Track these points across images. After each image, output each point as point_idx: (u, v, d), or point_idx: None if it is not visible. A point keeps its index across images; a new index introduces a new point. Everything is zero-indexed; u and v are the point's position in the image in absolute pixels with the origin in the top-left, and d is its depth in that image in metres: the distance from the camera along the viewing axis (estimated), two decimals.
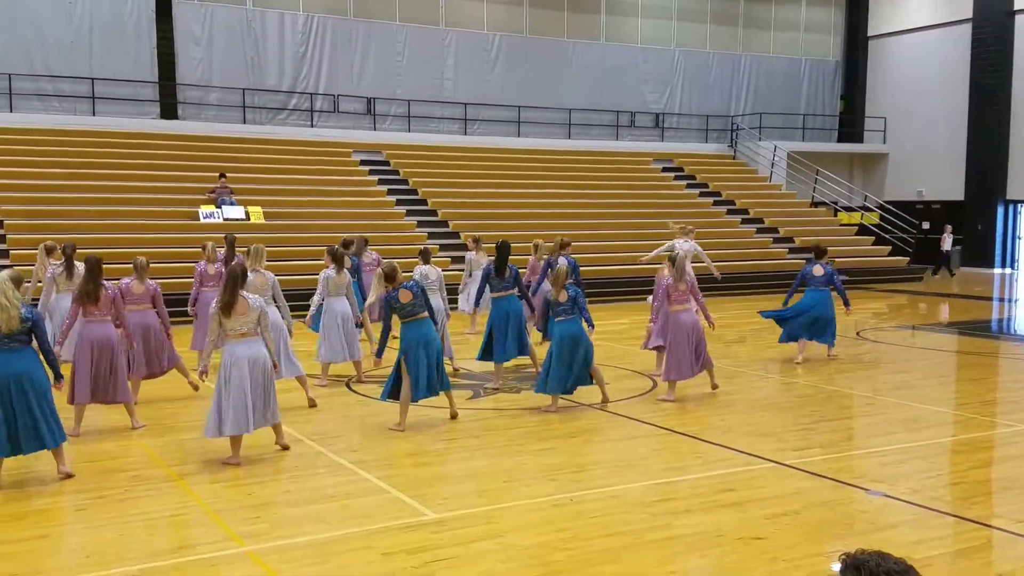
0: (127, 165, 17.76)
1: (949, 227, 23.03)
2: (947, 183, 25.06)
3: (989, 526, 5.17)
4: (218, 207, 16.81)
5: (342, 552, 4.70)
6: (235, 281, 6.27)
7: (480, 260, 12.73)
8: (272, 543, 4.84)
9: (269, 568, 4.52)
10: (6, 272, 5.94)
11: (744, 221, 21.92)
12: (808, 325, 10.34)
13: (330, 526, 5.08)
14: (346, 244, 10.79)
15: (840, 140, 27.98)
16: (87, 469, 6.20)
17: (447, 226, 18.59)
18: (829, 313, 10.37)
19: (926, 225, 25.34)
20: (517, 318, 8.95)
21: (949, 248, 22.72)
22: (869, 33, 27.70)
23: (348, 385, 9.07)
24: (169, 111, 20.13)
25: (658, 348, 9.17)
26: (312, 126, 21.30)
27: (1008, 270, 24.20)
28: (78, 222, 15.33)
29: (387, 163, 20.59)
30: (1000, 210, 24.18)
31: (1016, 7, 23.58)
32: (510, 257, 9.08)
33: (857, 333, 12.86)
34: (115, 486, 5.84)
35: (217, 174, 17.57)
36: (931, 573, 4.33)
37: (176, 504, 5.50)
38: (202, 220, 16.47)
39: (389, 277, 7.20)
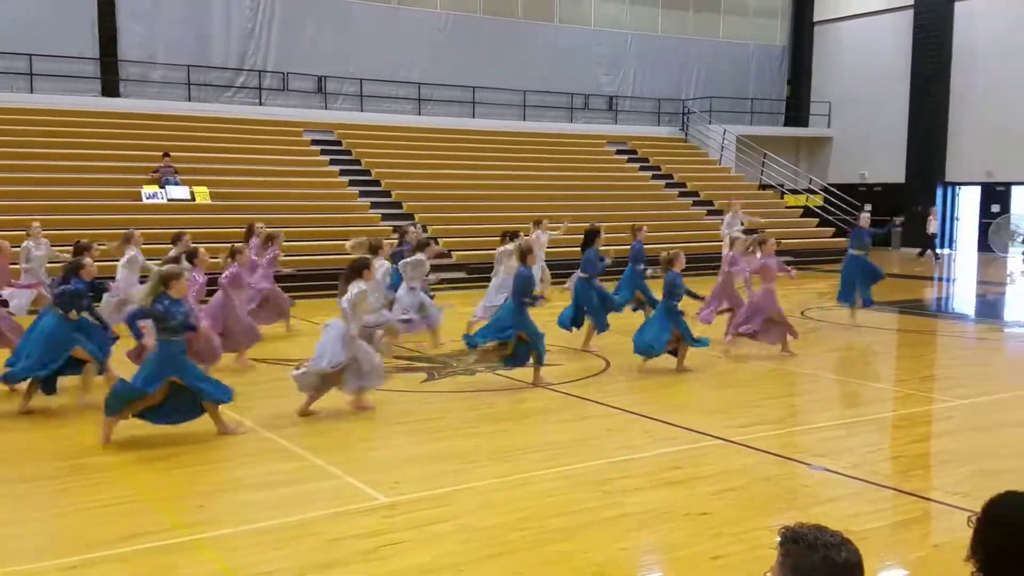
0: (67, 144, 17.18)
1: (934, 209, 23.01)
2: (889, 166, 25.69)
3: (927, 498, 5.36)
4: (162, 187, 16.39)
5: (290, 539, 4.65)
6: (347, 275, 7.07)
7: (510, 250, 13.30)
8: (219, 531, 4.77)
9: (215, 556, 4.46)
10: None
11: (695, 203, 22.21)
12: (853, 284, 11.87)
13: (279, 512, 5.02)
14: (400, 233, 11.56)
15: (787, 124, 28.45)
16: (25, 456, 6.03)
17: (401, 207, 18.43)
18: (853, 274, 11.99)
19: (868, 207, 25.91)
20: (596, 299, 9.94)
21: (935, 231, 22.82)
22: (815, 18, 28.15)
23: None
24: (111, 88, 19.51)
25: (752, 334, 9.74)
26: (261, 104, 20.85)
27: (947, 250, 24.96)
28: (16, 203, 14.80)
29: (339, 143, 20.28)
30: (939, 192, 24.91)
31: None
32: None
33: (802, 312, 13.16)
34: (54, 475, 5.69)
35: (161, 153, 17.12)
36: (869, 545, 4.46)
37: (120, 492, 5.38)
38: (145, 201, 16.05)
39: (523, 255, 8.01)
